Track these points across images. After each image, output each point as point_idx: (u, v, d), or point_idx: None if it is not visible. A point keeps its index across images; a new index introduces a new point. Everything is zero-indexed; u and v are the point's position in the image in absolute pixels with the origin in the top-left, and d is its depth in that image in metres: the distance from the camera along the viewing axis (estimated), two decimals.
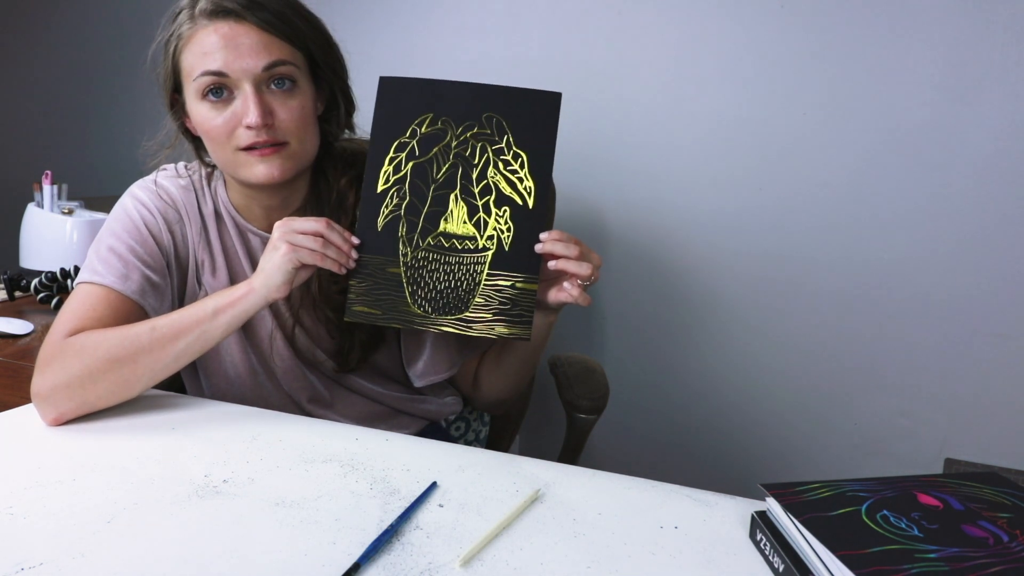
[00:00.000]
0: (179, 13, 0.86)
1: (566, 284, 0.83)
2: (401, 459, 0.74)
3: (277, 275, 0.80)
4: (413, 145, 0.83)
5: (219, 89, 0.84)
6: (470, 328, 0.83)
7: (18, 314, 1.32)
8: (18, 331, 1.23)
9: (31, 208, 1.61)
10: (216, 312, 0.81)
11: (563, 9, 1.58)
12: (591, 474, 0.74)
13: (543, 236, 0.82)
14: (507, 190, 0.83)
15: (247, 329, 0.96)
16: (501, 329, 0.83)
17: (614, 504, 0.67)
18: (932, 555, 0.53)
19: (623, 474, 0.74)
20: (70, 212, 1.59)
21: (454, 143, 0.83)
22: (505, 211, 0.83)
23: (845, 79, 1.42)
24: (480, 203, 0.83)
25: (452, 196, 0.83)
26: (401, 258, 0.83)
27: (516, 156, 0.83)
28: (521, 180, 0.83)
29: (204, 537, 0.59)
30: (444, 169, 0.83)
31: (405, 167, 0.83)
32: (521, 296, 0.83)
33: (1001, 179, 1.36)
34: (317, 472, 0.71)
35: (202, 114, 0.86)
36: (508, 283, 0.83)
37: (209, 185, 0.98)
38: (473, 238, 0.83)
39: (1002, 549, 0.54)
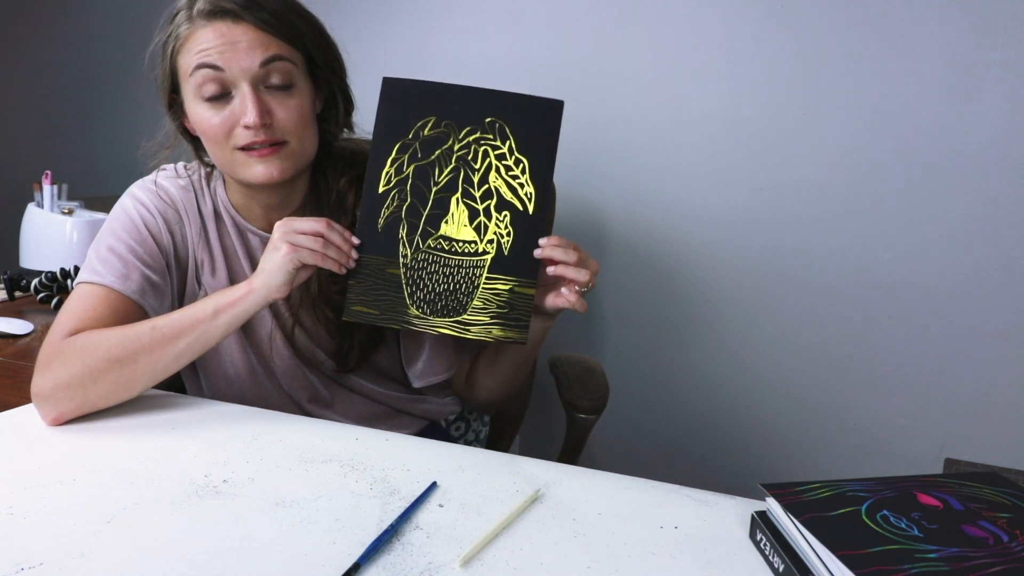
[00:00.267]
0: (177, 14, 0.86)
1: (564, 290, 0.84)
2: (401, 459, 0.75)
3: (278, 275, 0.80)
4: (415, 147, 0.83)
5: (218, 96, 0.84)
6: (467, 330, 0.83)
7: (18, 314, 1.32)
8: (18, 331, 1.23)
9: (31, 208, 1.61)
10: (216, 312, 0.81)
11: (563, 9, 1.58)
12: (591, 474, 0.74)
13: (542, 241, 0.82)
14: (508, 195, 0.83)
15: (247, 329, 0.96)
16: (498, 332, 0.83)
17: (614, 504, 0.67)
18: (932, 555, 0.53)
19: (623, 474, 0.74)
20: (70, 212, 1.59)
21: (456, 146, 0.83)
22: (506, 216, 0.83)
23: (845, 79, 1.42)
24: (481, 207, 0.83)
25: (453, 199, 0.83)
26: (401, 259, 0.83)
27: (518, 161, 0.83)
28: (522, 185, 0.83)
29: (204, 537, 0.59)
30: (446, 172, 0.83)
31: (407, 169, 0.83)
32: (519, 300, 0.83)
33: (1001, 179, 1.36)
34: (317, 472, 0.71)
35: (200, 114, 0.86)
36: (506, 287, 0.83)
37: (208, 185, 0.98)
38: (473, 242, 0.83)
39: (1002, 549, 0.54)
